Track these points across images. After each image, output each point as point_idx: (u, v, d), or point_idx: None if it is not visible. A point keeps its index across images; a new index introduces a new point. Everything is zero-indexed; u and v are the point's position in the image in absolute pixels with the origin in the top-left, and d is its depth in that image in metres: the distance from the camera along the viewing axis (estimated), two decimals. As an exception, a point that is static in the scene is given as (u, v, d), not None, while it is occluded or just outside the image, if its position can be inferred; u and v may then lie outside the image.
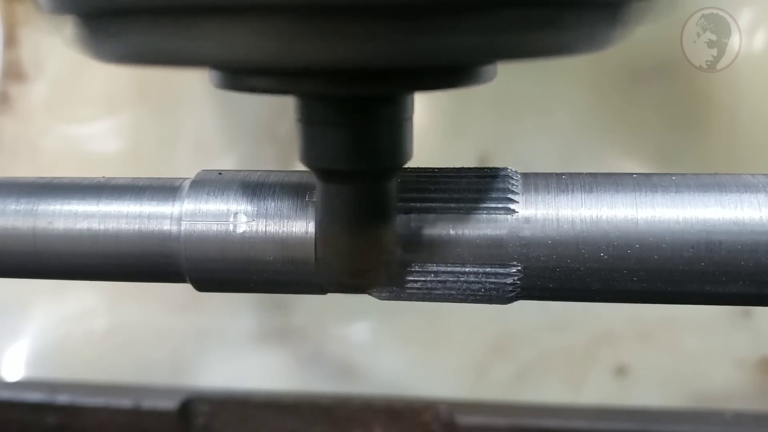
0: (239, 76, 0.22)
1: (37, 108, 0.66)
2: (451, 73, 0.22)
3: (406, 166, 0.29)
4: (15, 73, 0.66)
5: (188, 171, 0.31)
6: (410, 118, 0.24)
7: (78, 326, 0.67)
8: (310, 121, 0.23)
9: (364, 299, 0.30)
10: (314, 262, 0.27)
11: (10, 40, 0.66)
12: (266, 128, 0.64)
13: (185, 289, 0.30)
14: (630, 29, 0.22)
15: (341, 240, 0.25)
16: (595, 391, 0.61)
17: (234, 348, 0.66)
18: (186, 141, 0.65)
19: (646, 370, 0.62)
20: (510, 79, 0.58)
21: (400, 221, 0.27)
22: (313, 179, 0.28)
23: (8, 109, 0.66)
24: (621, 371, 0.62)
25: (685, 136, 0.59)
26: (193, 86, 0.63)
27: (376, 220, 0.25)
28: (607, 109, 0.60)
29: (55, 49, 0.65)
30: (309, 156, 0.24)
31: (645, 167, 0.60)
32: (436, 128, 0.61)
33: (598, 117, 0.60)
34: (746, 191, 0.26)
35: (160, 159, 0.65)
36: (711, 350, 0.61)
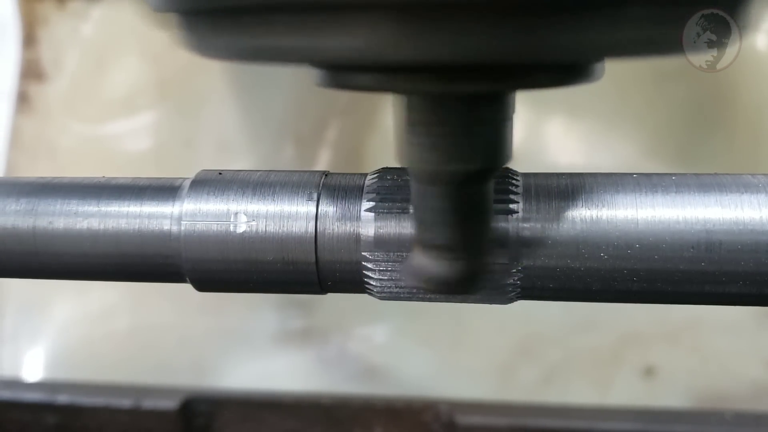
0: (349, 74, 0.22)
1: (56, 107, 0.66)
2: (566, 71, 0.22)
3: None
4: (34, 72, 0.65)
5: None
6: (511, 119, 0.23)
7: (99, 327, 0.66)
8: (408, 121, 0.22)
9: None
10: (314, 260, 0.27)
11: (29, 39, 0.65)
12: (288, 128, 0.64)
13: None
14: (746, 30, 0.22)
15: (438, 244, 0.24)
16: (623, 392, 0.60)
17: (256, 350, 0.65)
18: (207, 141, 0.64)
19: (674, 371, 0.61)
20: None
21: (395, 220, 0.27)
22: (313, 179, 0.28)
23: (28, 108, 0.66)
24: (649, 372, 0.61)
25: (710, 136, 0.58)
26: (214, 85, 0.63)
27: (473, 223, 0.24)
28: (633, 108, 0.59)
29: (74, 48, 0.65)
30: (406, 157, 0.23)
31: (670, 167, 0.59)
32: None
33: (624, 115, 0.59)
34: (746, 191, 0.26)
35: (180, 158, 0.65)
36: (739, 351, 0.60)
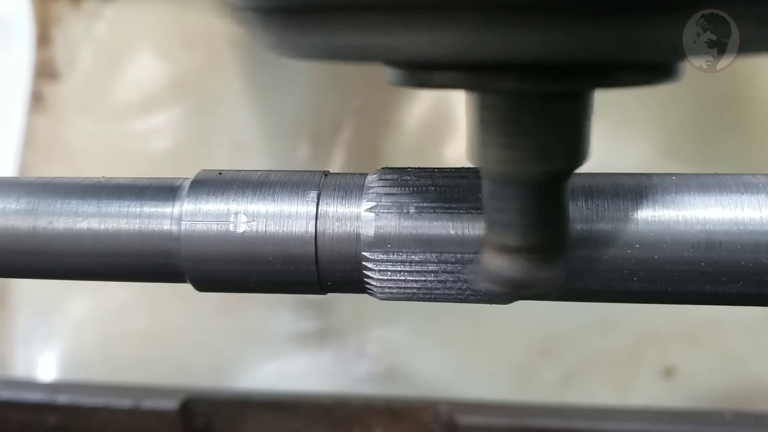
0: (425, 73, 0.21)
1: (70, 107, 0.66)
2: (645, 70, 0.21)
3: (408, 166, 0.29)
4: (48, 72, 0.65)
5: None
6: (590, 118, 0.23)
7: (114, 327, 0.66)
8: (484, 120, 0.22)
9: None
10: (315, 261, 0.27)
11: (43, 39, 0.65)
12: (303, 128, 0.64)
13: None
14: None
15: (512, 246, 0.23)
16: (643, 392, 0.60)
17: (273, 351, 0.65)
18: (222, 140, 0.64)
19: (694, 372, 0.61)
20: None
21: (395, 220, 0.27)
22: (313, 179, 0.28)
23: (42, 108, 0.66)
24: (668, 373, 0.61)
25: (727, 135, 0.58)
26: (229, 84, 0.63)
27: (549, 225, 0.23)
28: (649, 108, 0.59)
29: (88, 48, 0.65)
30: (481, 156, 0.22)
31: (687, 167, 0.59)
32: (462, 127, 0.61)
33: (640, 115, 0.59)
34: (746, 191, 0.26)
35: (196, 158, 0.65)
36: (758, 352, 0.60)
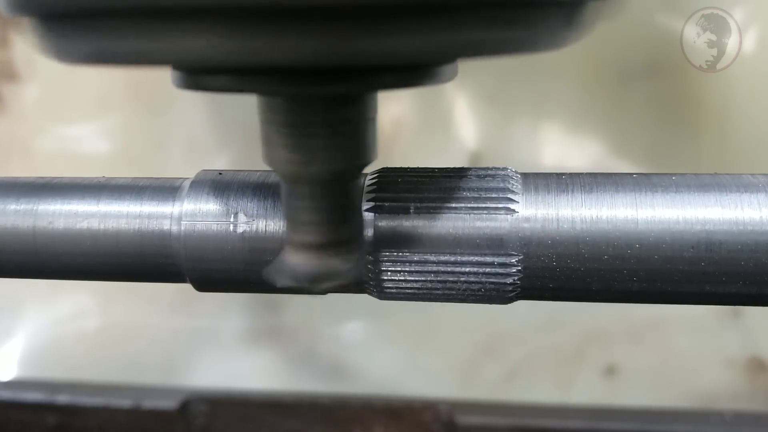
0: (201, 76, 0.22)
1: (29, 108, 0.66)
2: (412, 72, 0.22)
3: (405, 166, 0.29)
4: (7, 73, 0.66)
5: (180, 172, 0.31)
6: (374, 119, 0.24)
7: (71, 326, 0.67)
8: (271, 122, 0.23)
9: (356, 299, 0.30)
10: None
11: (2, 41, 0.66)
12: (258, 128, 0.64)
13: (180, 289, 0.30)
14: (587, 29, 0.22)
15: (309, 242, 0.24)
16: (584, 390, 0.61)
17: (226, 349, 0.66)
18: (178, 141, 0.65)
19: (636, 370, 0.62)
20: (503, 76, 0.58)
21: (395, 220, 0.27)
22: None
23: (1, 109, 0.66)
24: (611, 371, 0.62)
25: (677, 136, 0.59)
26: None
27: (342, 221, 0.24)
28: (600, 109, 0.60)
29: None
30: (272, 158, 0.23)
31: (637, 167, 0.60)
32: (426, 128, 0.61)
33: (591, 116, 0.60)
34: (746, 191, 0.26)
35: (152, 160, 0.65)
36: (700, 350, 0.61)
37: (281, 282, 0.25)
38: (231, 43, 0.18)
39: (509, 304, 0.28)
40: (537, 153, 0.60)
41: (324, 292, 0.26)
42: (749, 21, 0.56)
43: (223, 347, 0.66)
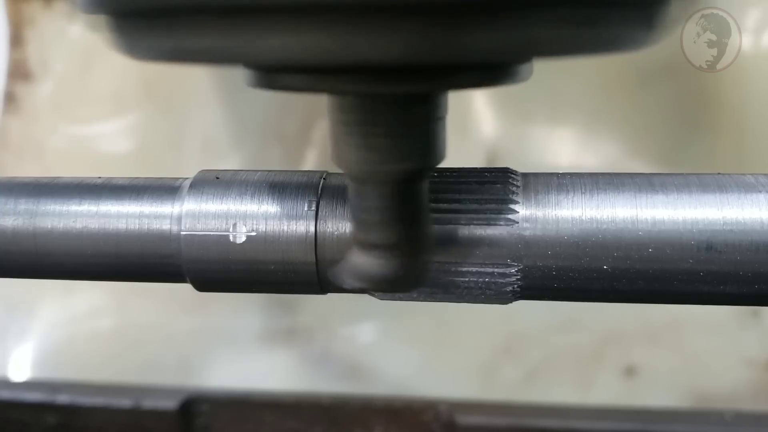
0: (279, 75, 0.22)
1: (43, 108, 0.66)
2: (488, 71, 0.22)
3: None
4: (21, 72, 0.66)
5: (195, 170, 0.30)
6: (443, 118, 0.24)
7: (85, 326, 0.67)
8: (343, 123, 0.23)
9: (372, 298, 0.29)
10: (314, 262, 0.27)
11: (17, 40, 0.65)
12: (273, 127, 0.64)
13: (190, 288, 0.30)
14: (667, 30, 0.22)
15: (378, 243, 0.24)
16: (604, 391, 0.61)
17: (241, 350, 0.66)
18: (193, 140, 0.65)
19: (655, 371, 0.61)
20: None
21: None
22: (312, 179, 0.28)
23: (15, 108, 0.66)
24: (630, 371, 0.61)
25: (691, 136, 0.59)
26: (199, 85, 0.63)
27: (412, 222, 0.24)
28: (615, 110, 0.60)
29: (61, 49, 0.65)
30: (342, 159, 0.23)
31: (652, 167, 0.60)
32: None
33: (607, 118, 0.60)
34: (747, 192, 0.26)
35: (166, 158, 0.65)
36: (720, 350, 0.61)
37: (349, 283, 0.25)
38: (320, 42, 0.18)
39: (527, 304, 0.28)
40: (553, 153, 0.60)
41: (389, 296, 0.26)
42: (749, 21, 0.56)
43: (238, 348, 0.66)
